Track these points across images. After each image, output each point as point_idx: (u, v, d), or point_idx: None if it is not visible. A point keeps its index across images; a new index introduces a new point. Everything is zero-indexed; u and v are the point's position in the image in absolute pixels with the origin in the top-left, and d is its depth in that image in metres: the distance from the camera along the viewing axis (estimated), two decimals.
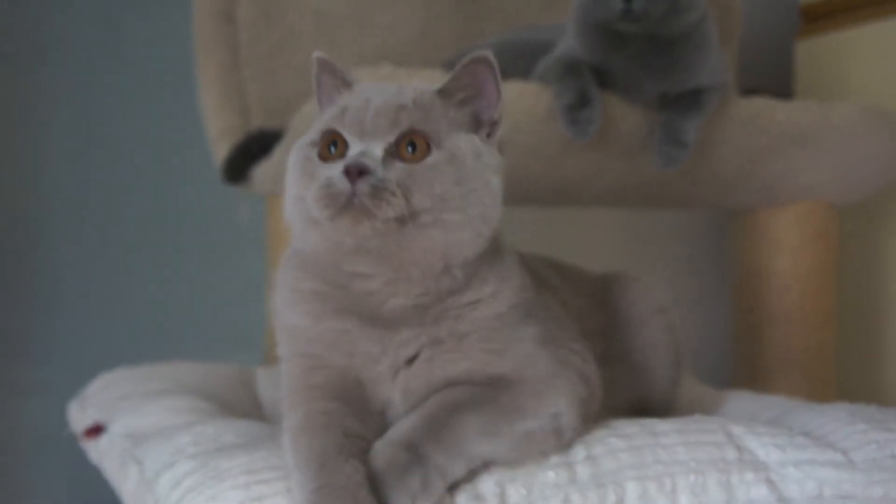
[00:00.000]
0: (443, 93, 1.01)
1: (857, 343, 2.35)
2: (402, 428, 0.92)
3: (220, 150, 1.91)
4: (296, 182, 0.97)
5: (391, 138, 0.95)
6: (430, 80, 1.53)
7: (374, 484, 0.87)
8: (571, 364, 1.03)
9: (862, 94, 2.38)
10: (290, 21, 2.00)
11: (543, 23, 1.99)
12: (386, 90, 1.00)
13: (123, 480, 1.07)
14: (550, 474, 0.94)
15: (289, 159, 1.01)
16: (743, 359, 2.13)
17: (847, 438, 1.05)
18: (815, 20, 2.59)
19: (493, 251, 1.02)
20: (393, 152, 0.95)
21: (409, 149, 0.95)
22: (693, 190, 1.89)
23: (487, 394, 0.95)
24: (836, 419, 1.10)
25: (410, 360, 0.98)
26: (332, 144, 0.97)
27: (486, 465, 0.93)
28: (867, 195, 2.05)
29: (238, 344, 2.13)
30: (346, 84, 1.03)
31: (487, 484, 0.93)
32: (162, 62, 2.29)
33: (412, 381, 0.98)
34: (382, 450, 0.90)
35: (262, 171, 1.79)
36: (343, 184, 0.91)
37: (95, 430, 1.26)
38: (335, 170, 0.93)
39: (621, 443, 0.99)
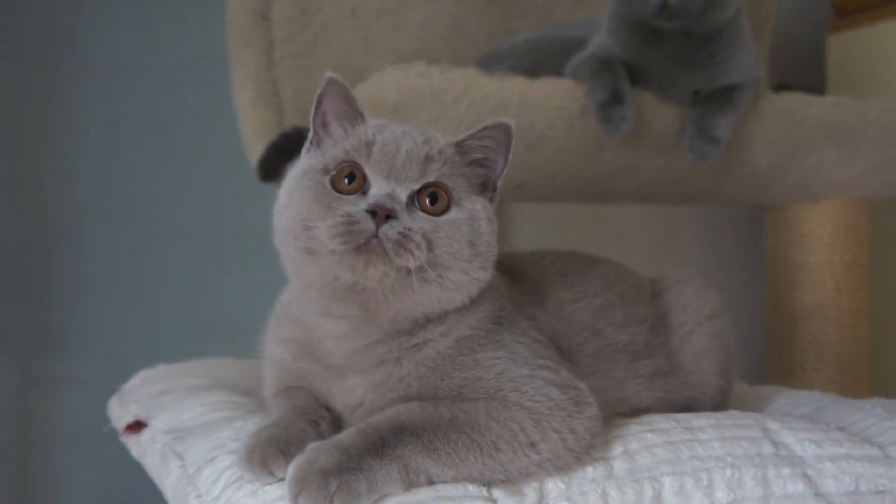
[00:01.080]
0: (460, 148, 1.01)
1: (891, 338, 2.34)
2: (343, 434, 0.91)
3: (256, 149, 1.92)
4: (302, 207, 0.96)
5: (416, 186, 0.95)
6: (464, 78, 1.56)
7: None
8: (538, 377, 0.99)
9: (894, 89, 2.37)
10: (324, 18, 2.01)
11: (576, 19, 1.99)
12: (413, 136, 1.00)
13: (165, 475, 1.09)
14: (588, 469, 0.95)
15: (289, 181, 1.00)
16: (776, 354, 2.12)
17: (884, 434, 1.06)
18: (847, 14, 2.57)
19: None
20: (415, 200, 0.95)
21: (429, 201, 0.96)
22: (726, 186, 1.89)
23: (430, 414, 0.93)
24: (872, 414, 1.11)
25: (360, 404, 0.99)
26: (348, 176, 0.96)
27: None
28: None
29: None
30: (359, 115, 1.01)
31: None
32: (194, 63, 2.31)
33: (360, 419, 0.97)
34: (317, 447, 0.88)
35: None
36: (367, 224, 0.90)
37: (137, 426, 1.28)
38: (357, 206, 0.92)
39: (657, 438, 1.00)
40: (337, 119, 1.02)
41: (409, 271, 0.92)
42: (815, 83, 2.62)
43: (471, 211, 0.98)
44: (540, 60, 1.77)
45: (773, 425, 1.05)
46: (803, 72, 2.71)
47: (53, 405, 2.27)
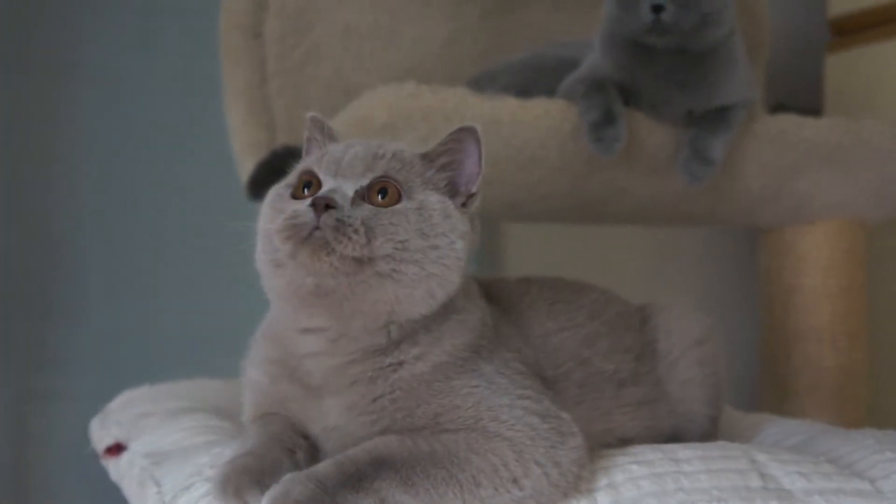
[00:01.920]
0: (426, 157, 1.02)
1: (888, 362, 2.32)
2: (320, 466, 0.90)
3: (246, 166, 1.91)
4: (265, 222, 0.99)
5: (364, 181, 0.97)
6: (455, 97, 1.55)
7: None
8: (518, 406, 0.97)
9: (893, 109, 2.36)
10: (317, 36, 2.00)
11: (570, 39, 1.97)
12: (369, 142, 1.03)
13: (142, 501, 1.07)
14: (572, 502, 0.93)
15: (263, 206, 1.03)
16: (771, 378, 2.10)
17: (874, 467, 1.04)
18: (845, 34, 2.56)
19: (441, 314, 1.00)
20: (364, 196, 0.96)
21: (380, 196, 0.96)
22: (719, 207, 1.88)
23: (409, 448, 0.92)
24: (863, 446, 1.09)
25: (335, 428, 0.98)
26: (306, 185, 0.99)
27: None
28: None
29: None
30: (333, 139, 1.06)
31: None
32: (192, 76, 2.30)
33: (336, 445, 0.98)
34: (292, 478, 0.87)
35: None
36: (308, 216, 0.92)
37: (116, 449, 1.26)
38: (303, 204, 0.94)
39: (643, 470, 0.98)
40: (317, 149, 1.07)
41: (357, 262, 0.92)
42: (812, 103, 2.61)
43: (422, 202, 0.97)
44: (532, 80, 1.76)
45: (761, 457, 1.03)
46: (801, 92, 2.70)
47: (49, 418, 2.26)
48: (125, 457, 1.23)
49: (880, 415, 2.16)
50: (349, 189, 0.96)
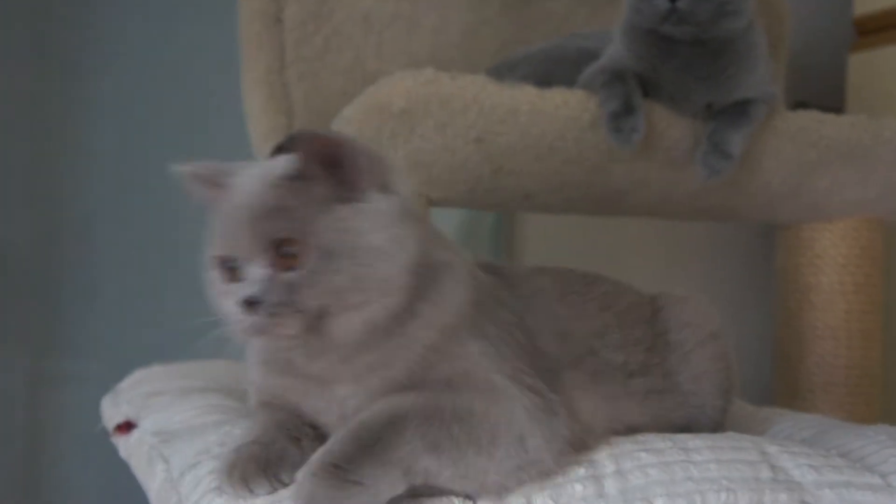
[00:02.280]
0: (299, 177, 0.93)
1: None
2: (334, 442, 0.87)
3: (264, 152, 1.91)
4: (216, 305, 0.98)
5: (266, 255, 0.91)
6: (473, 85, 1.55)
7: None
8: (518, 380, 0.96)
9: None
10: (337, 22, 1.99)
11: (591, 30, 1.97)
12: (246, 195, 0.95)
13: (150, 478, 1.08)
14: (578, 487, 0.92)
15: None
16: (785, 375, 2.09)
17: (886, 462, 1.03)
18: (870, 33, 2.55)
19: (426, 275, 0.96)
20: (274, 263, 0.91)
21: (290, 251, 0.91)
22: (738, 203, 1.87)
23: (431, 404, 0.90)
24: (875, 441, 1.08)
25: (357, 410, 0.94)
26: (228, 268, 0.95)
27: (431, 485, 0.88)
28: None
29: None
30: (219, 186, 1.00)
31: (514, 494, 0.91)
32: (208, 68, 2.30)
33: None
34: (309, 473, 0.84)
35: None
36: (246, 321, 0.90)
37: (126, 427, 1.27)
38: (233, 302, 0.92)
39: (651, 458, 0.98)
40: (211, 203, 1.03)
41: (309, 327, 0.91)
42: (834, 102, 2.60)
43: (325, 245, 0.91)
44: (553, 70, 1.76)
45: (771, 449, 1.02)
46: (823, 91, 2.69)
47: (62, 401, 2.27)
48: (134, 435, 1.23)
49: (893, 413, 2.14)
50: (258, 270, 0.92)
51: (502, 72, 1.80)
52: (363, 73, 1.97)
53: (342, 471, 0.83)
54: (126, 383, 1.46)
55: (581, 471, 0.95)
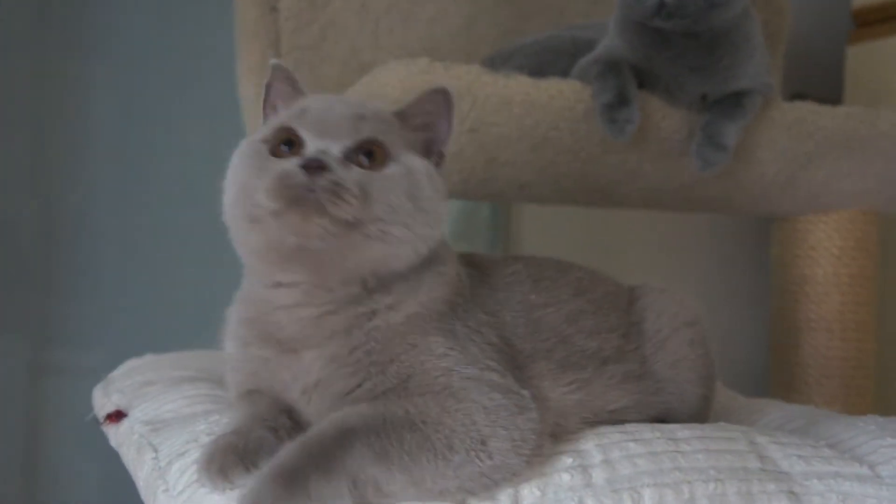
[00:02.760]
0: (402, 116, 1.03)
1: (892, 353, 2.31)
2: (287, 452, 0.87)
3: None
4: (243, 176, 0.96)
5: (350, 143, 0.95)
6: (468, 75, 1.54)
7: None
8: (485, 380, 0.96)
9: None
10: (333, 12, 1.99)
11: (588, 21, 1.96)
12: (347, 100, 1.02)
13: (139, 467, 1.07)
14: (565, 477, 0.92)
15: (233, 157, 1.01)
16: (779, 367, 2.09)
17: (875, 452, 1.03)
18: (868, 25, 2.54)
19: (421, 265, 1.00)
20: (351, 157, 0.95)
21: (366, 158, 0.95)
22: (733, 194, 1.87)
23: (382, 414, 0.90)
24: (865, 432, 1.08)
25: (317, 383, 0.97)
26: (285, 143, 0.96)
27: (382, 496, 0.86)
28: None
29: None
30: (301, 93, 1.04)
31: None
32: (207, 56, 2.30)
33: (320, 404, 0.96)
34: (259, 478, 0.84)
35: None
36: (300, 177, 0.90)
37: (117, 416, 1.27)
38: (292, 164, 0.92)
39: (639, 448, 0.97)
40: (281, 100, 1.05)
41: (349, 226, 0.91)
42: (832, 94, 2.60)
43: (409, 167, 0.98)
44: (547, 61, 1.75)
45: (760, 439, 1.02)
46: (821, 82, 2.68)
47: (61, 392, 2.27)
48: (125, 423, 1.23)
49: (886, 405, 2.15)
50: (336, 150, 0.95)
51: (497, 62, 1.80)
52: (359, 63, 1.96)
53: (290, 480, 0.83)
54: (118, 373, 1.46)
55: (568, 460, 0.95)
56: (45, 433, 2.28)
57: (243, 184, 0.95)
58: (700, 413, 1.22)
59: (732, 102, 1.64)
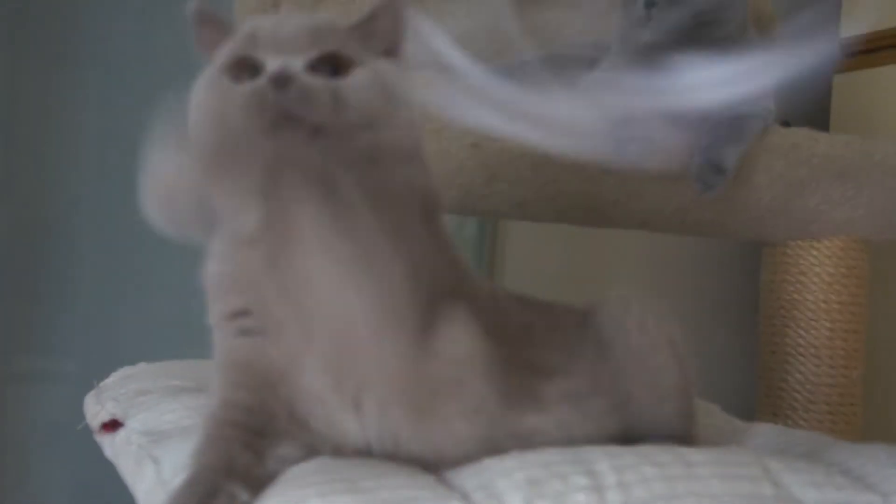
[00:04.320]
0: (359, 27, 0.96)
1: (883, 381, 2.31)
2: None
3: None
4: (208, 103, 0.92)
5: (311, 56, 0.91)
6: None
7: None
8: None
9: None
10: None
11: (586, 40, 1.96)
12: (297, 15, 0.97)
13: (139, 479, 1.05)
14: (581, 497, 0.91)
15: (193, 94, 0.97)
16: (767, 393, 2.09)
17: (886, 481, 1.02)
18: (856, 55, 2.56)
19: None
20: (315, 71, 0.90)
21: (330, 70, 0.91)
22: (728, 218, 1.87)
23: None
24: (874, 460, 1.07)
25: None
26: (246, 69, 0.91)
27: None
28: None
29: None
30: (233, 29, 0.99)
31: (514, 499, 0.89)
32: (191, 62, 2.27)
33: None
34: None
35: None
36: (270, 93, 0.86)
37: (112, 425, 1.24)
38: (258, 83, 0.88)
39: (654, 471, 0.96)
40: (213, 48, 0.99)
41: (325, 134, 0.87)
42: (819, 123, 2.61)
43: (377, 69, 0.93)
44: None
45: (774, 465, 1.01)
46: (807, 110, 2.70)
47: (37, 400, 2.23)
48: (121, 434, 1.20)
49: (875, 433, 2.15)
50: (298, 65, 0.90)
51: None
52: None
53: None
54: (111, 380, 1.43)
55: (582, 480, 0.93)
56: (19, 441, 2.24)
57: (213, 112, 0.92)
58: (685, 432, 1.18)
59: (733, 126, 1.64)
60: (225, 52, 0.96)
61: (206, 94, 0.94)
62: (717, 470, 0.98)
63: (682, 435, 1.18)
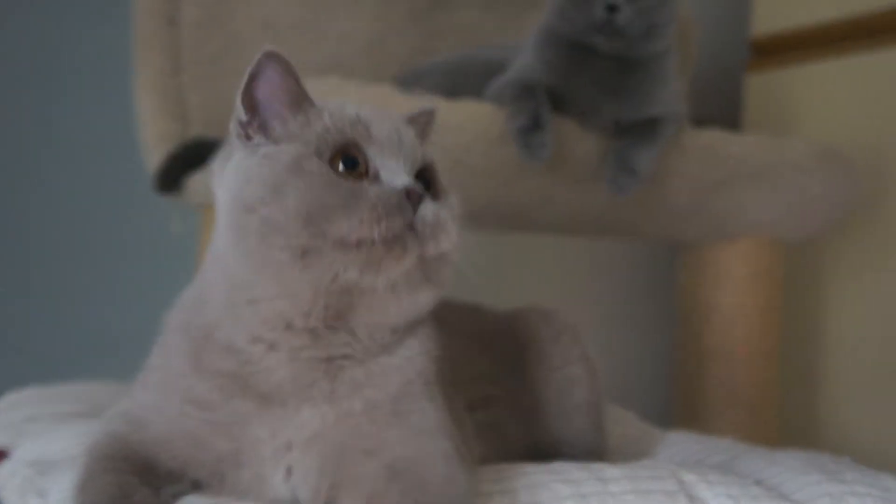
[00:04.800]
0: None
1: (796, 382, 2.33)
2: None
3: (154, 158, 1.83)
4: (308, 200, 0.80)
5: (416, 168, 0.88)
6: (381, 95, 1.49)
7: None
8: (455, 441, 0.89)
9: (809, 133, 2.37)
10: (236, 27, 1.93)
11: (498, 43, 1.94)
12: (394, 113, 0.92)
13: None
14: None
15: (261, 172, 0.83)
16: (684, 395, 2.08)
17: (801, 490, 1.00)
18: (766, 55, 2.57)
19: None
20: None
21: (426, 185, 0.88)
22: (643, 221, 1.85)
23: None
24: (789, 468, 1.06)
25: (313, 438, 0.85)
26: (349, 160, 0.84)
27: None
28: (816, 233, 2.03)
29: None
30: (307, 96, 0.89)
31: None
32: (95, 68, 2.20)
33: (308, 461, 0.85)
34: None
35: (197, 182, 1.71)
36: (406, 208, 0.81)
37: None
38: (384, 190, 0.82)
39: (567, 489, 0.93)
40: (281, 101, 0.87)
41: (422, 266, 0.83)
42: (731, 122, 2.62)
43: (454, 201, 0.91)
44: (460, 82, 1.72)
45: (689, 477, 0.99)
46: (720, 110, 2.71)
47: None
48: (6, 465, 1.13)
49: (791, 434, 2.16)
50: (405, 173, 0.85)
51: (408, 81, 1.76)
52: None
53: None
54: None
55: (495, 500, 0.90)
56: None
57: (307, 208, 0.80)
58: (592, 444, 1.18)
59: (646, 129, 1.63)
60: (317, 134, 0.85)
61: (299, 176, 0.82)
62: (632, 485, 0.95)
63: (594, 449, 1.17)
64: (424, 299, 0.86)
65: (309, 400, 0.85)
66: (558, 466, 0.98)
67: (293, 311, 0.83)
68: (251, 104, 0.87)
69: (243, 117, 0.87)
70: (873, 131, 2.19)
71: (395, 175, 0.84)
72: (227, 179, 0.87)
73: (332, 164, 0.84)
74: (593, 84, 1.61)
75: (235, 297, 0.85)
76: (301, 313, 0.83)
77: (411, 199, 0.81)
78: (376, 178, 0.84)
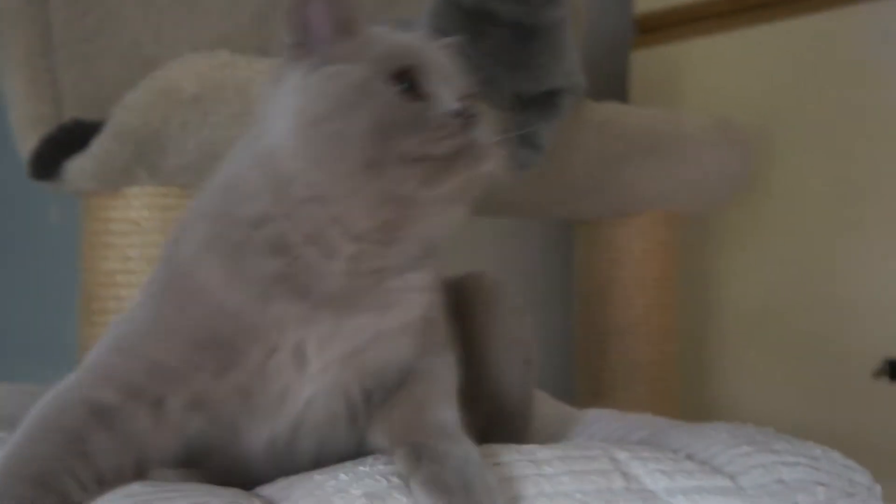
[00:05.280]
0: None
1: (690, 354, 2.35)
2: None
3: (28, 143, 1.71)
4: (376, 114, 0.85)
5: (464, 94, 0.92)
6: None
7: None
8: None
9: (693, 107, 2.40)
10: (111, 2, 1.83)
11: (398, 16, 1.89)
12: (431, 41, 0.98)
13: None
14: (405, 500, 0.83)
15: (322, 83, 0.87)
16: (586, 372, 2.08)
17: (732, 462, 0.99)
18: (650, 31, 2.60)
19: None
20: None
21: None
22: (542, 197, 1.84)
23: None
24: (718, 441, 1.04)
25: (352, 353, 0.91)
26: (408, 83, 0.88)
27: None
28: (712, 207, 2.05)
29: (47, 360, 1.93)
30: (358, 19, 0.91)
31: None
32: None
33: (344, 375, 0.91)
34: None
35: (77, 167, 1.61)
36: (464, 128, 0.86)
37: None
38: (445, 110, 0.87)
39: (501, 472, 0.89)
40: (335, 22, 0.90)
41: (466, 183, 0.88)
42: (617, 99, 2.63)
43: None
44: None
45: (621, 455, 0.96)
46: (607, 87, 2.72)
47: None
48: None
49: (693, 407, 2.18)
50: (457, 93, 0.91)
51: None
52: (141, 59, 1.80)
53: None
54: None
55: None
56: None
57: (375, 124, 0.84)
58: (524, 406, 1.18)
59: (546, 102, 1.61)
60: (382, 55, 0.90)
61: (365, 94, 0.86)
62: (566, 466, 0.92)
63: (521, 428, 1.15)
64: (461, 215, 0.94)
65: (355, 307, 0.89)
66: (488, 449, 0.94)
67: (354, 215, 0.87)
68: (303, 25, 0.90)
69: (294, 38, 0.90)
70: (756, 105, 2.23)
71: (449, 98, 0.89)
72: (285, 98, 0.89)
73: (392, 85, 0.88)
74: (490, 57, 1.57)
75: (295, 192, 0.87)
76: (361, 218, 0.87)
77: (467, 120, 0.86)
78: (432, 100, 0.89)
